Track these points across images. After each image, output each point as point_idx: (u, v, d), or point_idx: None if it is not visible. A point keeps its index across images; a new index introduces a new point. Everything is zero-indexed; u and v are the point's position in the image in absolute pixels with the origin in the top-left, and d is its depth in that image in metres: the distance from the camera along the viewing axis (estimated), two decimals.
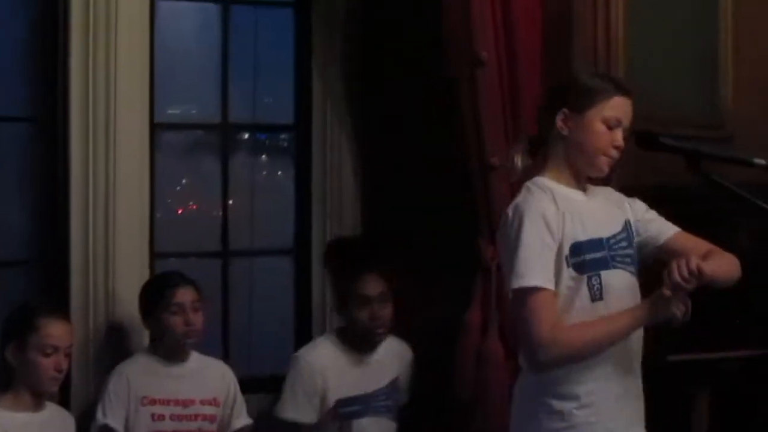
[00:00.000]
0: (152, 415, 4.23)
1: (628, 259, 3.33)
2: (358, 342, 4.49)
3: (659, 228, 3.42)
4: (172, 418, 4.25)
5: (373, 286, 4.45)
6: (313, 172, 5.01)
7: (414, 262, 4.81)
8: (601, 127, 3.25)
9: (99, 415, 4.19)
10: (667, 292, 3.10)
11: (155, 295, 4.31)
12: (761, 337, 4.31)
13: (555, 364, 3.24)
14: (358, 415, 4.45)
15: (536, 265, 3.17)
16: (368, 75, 5.02)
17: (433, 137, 4.68)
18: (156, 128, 4.71)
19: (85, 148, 4.45)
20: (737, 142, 4.61)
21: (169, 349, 4.32)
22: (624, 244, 3.32)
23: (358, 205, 5.07)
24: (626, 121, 3.29)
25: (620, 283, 3.28)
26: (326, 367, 4.43)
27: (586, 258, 3.22)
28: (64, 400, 4.27)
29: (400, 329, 4.73)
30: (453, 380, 4.42)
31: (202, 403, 4.32)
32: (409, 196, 4.86)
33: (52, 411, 4.02)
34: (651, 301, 3.17)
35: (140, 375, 4.26)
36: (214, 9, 4.91)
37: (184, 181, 5.12)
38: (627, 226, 3.37)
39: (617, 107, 3.27)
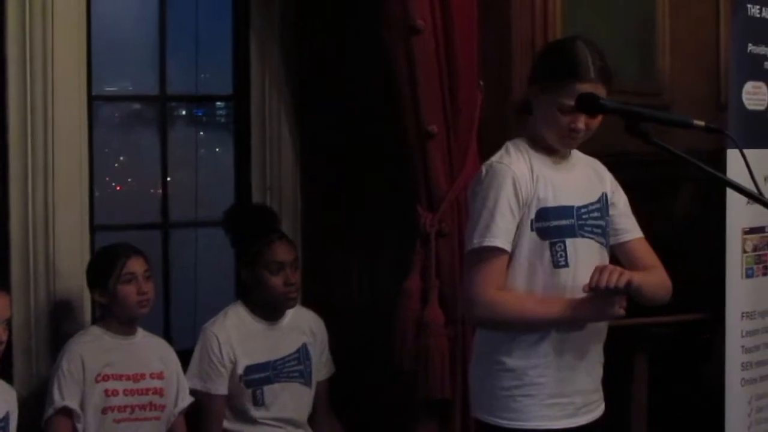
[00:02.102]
0: (105, 391, 4.19)
1: (598, 230, 3.32)
2: (267, 309, 4.51)
3: (627, 226, 3.42)
4: (125, 392, 4.22)
5: (285, 252, 4.47)
6: (252, 143, 5.02)
7: (353, 229, 4.83)
8: (556, 113, 3.21)
9: (56, 397, 4.13)
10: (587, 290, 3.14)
11: (106, 266, 4.25)
12: (697, 301, 4.35)
13: (483, 324, 3.31)
14: (269, 381, 4.47)
15: (496, 226, 3.17)
16: (306, 46, 5.01)
17: (371, 106, 4.69)
18: (94, 101, 4.68)
19: (24, 121, 4.39)
20: (674, 110, 4.65)
21: (120, 321, 4.28)
22: (596, 214, 3.32)
23: (297, 175, 5.08)
24: None
25: (587, 252, 3.26)
26: (232, 337, 4.45)
27: (551, 224, 3.22)
28: (6, 374, 4.22)
29: (339, 297, 4.74)
30: (393, 348, 4.43)
31: (152, 377, 4.31)
32: (348, 164, 4.87)
33: None
34: (595, 301, 3.17)
35: (93, 352, 4.21)
36: None
37: (122, 154, 5.11)
38: (603, 198, 3.36)
39: (576, 95, 3.17)
